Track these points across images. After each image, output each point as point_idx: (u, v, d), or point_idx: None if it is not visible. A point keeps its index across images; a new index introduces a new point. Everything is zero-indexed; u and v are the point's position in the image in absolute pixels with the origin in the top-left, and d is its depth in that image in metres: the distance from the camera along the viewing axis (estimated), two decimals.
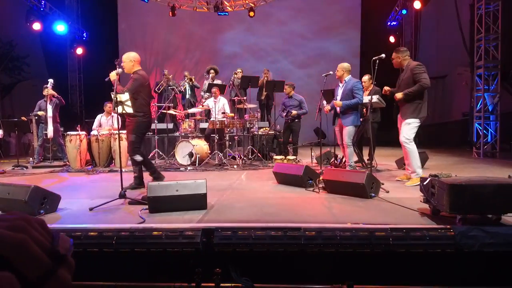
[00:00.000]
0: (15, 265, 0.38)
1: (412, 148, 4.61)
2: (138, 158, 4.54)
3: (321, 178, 4.45)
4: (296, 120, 7.63)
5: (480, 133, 8.80)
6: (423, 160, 6.53)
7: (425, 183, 3.21)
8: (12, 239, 0.38)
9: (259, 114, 8.25)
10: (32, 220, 0.43)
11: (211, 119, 7.48)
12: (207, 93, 8.88)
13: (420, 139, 13.05)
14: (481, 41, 8.74)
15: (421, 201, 3.25)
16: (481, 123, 8.80)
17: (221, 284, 2.51)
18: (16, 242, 0.39)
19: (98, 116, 7.85)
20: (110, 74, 4.30)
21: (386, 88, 4.88)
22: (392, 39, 13.51)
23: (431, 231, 2.60)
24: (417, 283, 2.55)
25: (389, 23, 13.96)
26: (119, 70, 4.29)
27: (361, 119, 6.64)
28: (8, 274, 0.36)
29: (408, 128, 4.59)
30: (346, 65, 5.56)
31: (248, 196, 4.14)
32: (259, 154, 7.79)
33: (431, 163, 6.70)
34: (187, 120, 8.00)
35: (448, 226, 2.62)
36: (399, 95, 4.61)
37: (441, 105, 13.20)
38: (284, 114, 7.71)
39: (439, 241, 2.54)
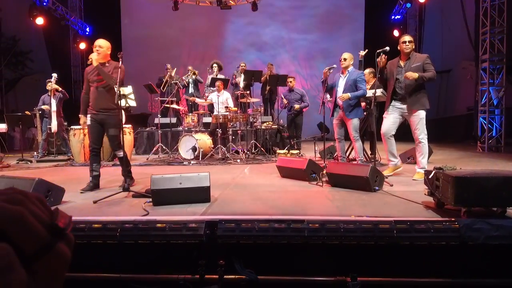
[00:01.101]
0: (12, 238, 0.37)
1: (426, 143, 4.58)
2: (121, 153, 4.34)
3: (324, 171, 4.44)
4: (299, 114, 7.64)
5: (485, 127, 8.74)
6: (428, 154, 6.50)
7: (429, 176, 3.19)
8: (9, 211, 0.38)
9: (262, 108, 8.24)
10: (30, 195, 0.42)
11: (215, 113, 7.47)
12: (211, 88, 8.86)
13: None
14: (486, 35, 8.65)
15: (425, 194, 3.23)
16: (486, 117, 8.74)
17: (225, 276, 2.51)
18: (13, 215, 0.38)
19: None
20: (94, 59, 4.09)
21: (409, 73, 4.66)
22: (396, 33, 13.39)
23: (436, 223, 2.58)
24: (421, 276, 2.54)
25: (393, 16, 13.85)
26: (95, 55, 4.11)
27: (364, 113, 6.63)
28: (6, 245, 0.36)
29: (424, 123, 4.54)
30: (351, 54, 5.38)
31: (252, 190, 4.14)
32: (262, 149, 7.78)
33: (436, 157, 6.67)
34: (190, 114, 8.01)
35: (453, 219, 2.61)
36: (414, 74, 4.38)
37: (445, 99, 13.12)
38: (287, 108, 7.72)
39: (443, 233, 2.52)
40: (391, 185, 4.14)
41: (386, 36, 12.60)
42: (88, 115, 4.30)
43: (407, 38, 4.64)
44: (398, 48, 4.65)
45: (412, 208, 3.17)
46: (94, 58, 4.10)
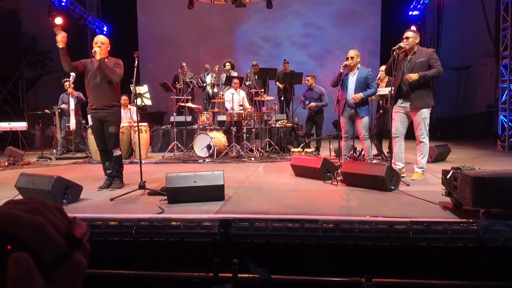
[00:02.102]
0: (32, 246, 0.38)
1: (427, 143, 4.51)
2: (119, 152, 4.35)
3: (339, 170, 4.40)
4: (320, 113, 7.61)
5: (505, 125, 8.50)
6: (446, 153, 6.39)
7: (447, 176, 3.13)
8: (29, 221, 0.39)
9: (276, 106, 8.22)
10: (49, 205, 0.43)
11: (229, 111, 7.49)
12: (224, 86, 8.89)
13: (442, 132, 12.81)
14: (507, 30, 8.40)
15: (443, 194, 3.17)
16: (506, 115, 8.50)
17: (239, 275, 2.53)
18: (34, 224, 0.39)
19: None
20: (96, 52, 4.11)
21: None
22: (413, 29, 13.16)
23: (453, 225, 2.54)
24: (438, 278, 2.50)
25: (410, 12, 13.59)
26: (98, 49, 4.12)
27: (380, 111, 6.54)
28: (25, 254, 0.37)
29: (427, 123, 4.45)
30: (357, 51, 5.24)
31: (266, 188, 4.14)
32: (276, 147, 7.77)
33: (454, 156, 6.53)
34: (205, 112, 8.05)
35: (471, 220, 2.55)
36: (414, 76, 4.30)
37: (464, 96, 12.83)
38: (304, 104, 7.69)
39: (461, 235, 2.47)
40: (408, 185, 4.08)
41: (403, 32, 12.37)
42: (89, 115, 4.32)
43: (406, 34, 4.53)
44: None
45: (429, 208, 3.11)
46: (97, 50, 4.10)
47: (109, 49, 4.29)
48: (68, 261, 0.41)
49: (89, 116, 4.32)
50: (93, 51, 4.15)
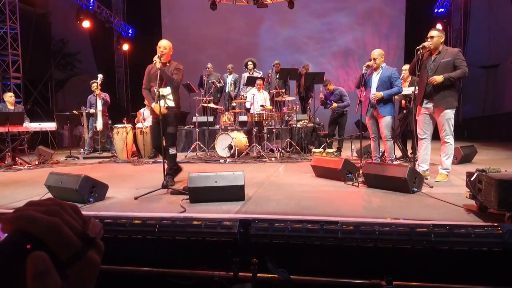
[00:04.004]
0: (49, 246, 0.42)
1: (453, 144, 4.40)
2: (174, 151, 4.53)
3: (361, 172, 4.36)
4: (343, 114, 7.63)
5: None
6: (472, 154, 6.21)
7: (471, 179, 3.06)
8: (47, 222, 0.43)
9: (298, 106, 8.21)
10: (65, 205, 0.47)
11: (251, 111, 7.53)
12: (246, 86, 8.94)
13: (469, 132, 12.43)
14: None
15: (467, 197, 3.10)
16: None
17: (258, 275, 2.56)
18: (50, 225, 0.43)
19: (141, 110, 8.18)
20: (156, 61, 4.21)
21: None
22: (439, 27, 12.83)
23: (477, 228, 2.48)
24: (460, 282, 2.45)
25: (436, 10, 13.27)
26: (157, 58, 4.23)
27: (404, 111, 6.42)
28: (43, 253, 0.41)
29: (451, 123, 4.35)
30: (382, 51, 5.20)
31: (286, 189, 4.15)
32: (297, 147, 7.75)
33: (480, 157, 6.35)
34: (226, 113, 8.12)
35: (496, 224, 2.49)
36: (438, 78, 4.21)
37: (492, 96, 12.41)
38: (323, 104, 7.74)
39: (485, 239, 2.42)
40: (431, 187, 4.00)
41: (429, 30, 12.09)
42: (150, 117, 4.52)
43: (430, 33, 4.42)
44: None
45: (453, 211, 3.05)
46: (156, 59, 4.19)
47: (171, 52, 4.46)
48: (83, 259, 0.44)
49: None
50: (153, 60, 4.23)
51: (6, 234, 0.42)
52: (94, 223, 0.48)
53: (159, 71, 4.15)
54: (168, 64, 4.40)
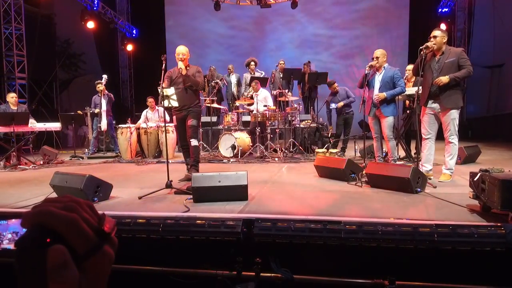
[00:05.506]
0: (67, 240, 0.44)
1: (457, 144, 4.40)
2: (196, 142, 4.75)
3: (364, 172, 4.36)
4: (350, 111, 7.71)
5: None
6: (476, 154, 6.19)
7: (475, 179, 3.06)
8: (65, 218, 0.45)
9: (301, 106, 8.23)
10: (82, 202, 0.50)
11: (254, 112, 7.55)
12: (249, 86, 8.95)
13: (473, 132, 12.37)
14: None
15: (470, 197, 3.10)
16: None
17: (261, 274, 2.57)
18: (69, 220, 0.45)
19: (144, 112, 8.22)
20: (182, 68, 4.53)
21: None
22: (443, 26, 12.77)
23: (480, 228, 2.48)
24: (463, 282, 2.45)
25: (440, 9, 13.22)
26: (181, 63, 4.54)
27: (407, 111, 6.42)
28: (62, 247, 0.43)
29: (456, 123, 4.35)
30: (384, 51, 5.20)
31: (289, 189, 4.17)
32: (300, 147, 7.76)
33: (484, 158, 6.32)
34: (230, 113, 8.15)
35: (499, 224, 2.49)
36: (444, 79, 4.21)
37: (497, 96, 12.34)
38: (334, 108, 7.82)
39: (488, 239, 2.42)
40: (435, 187, 4.00)
41: (433, 30, 12.05)
42: (174, 117, 4.85)
43: (433, 33, 4.42)
44: None
45: (456, 211, 3.05)
46: (182, 67, 4.54)
47: (189, 56, 4.75)
48: (98, 253, 0.47)
49: (174, 118, 4.89)
50: (179, 68, 4.57)
51: (24, 229, 0.44)
52: (108, 219, 0.51)
53: (183, 76, 4.54)
54: (188, 68, 4.66)
